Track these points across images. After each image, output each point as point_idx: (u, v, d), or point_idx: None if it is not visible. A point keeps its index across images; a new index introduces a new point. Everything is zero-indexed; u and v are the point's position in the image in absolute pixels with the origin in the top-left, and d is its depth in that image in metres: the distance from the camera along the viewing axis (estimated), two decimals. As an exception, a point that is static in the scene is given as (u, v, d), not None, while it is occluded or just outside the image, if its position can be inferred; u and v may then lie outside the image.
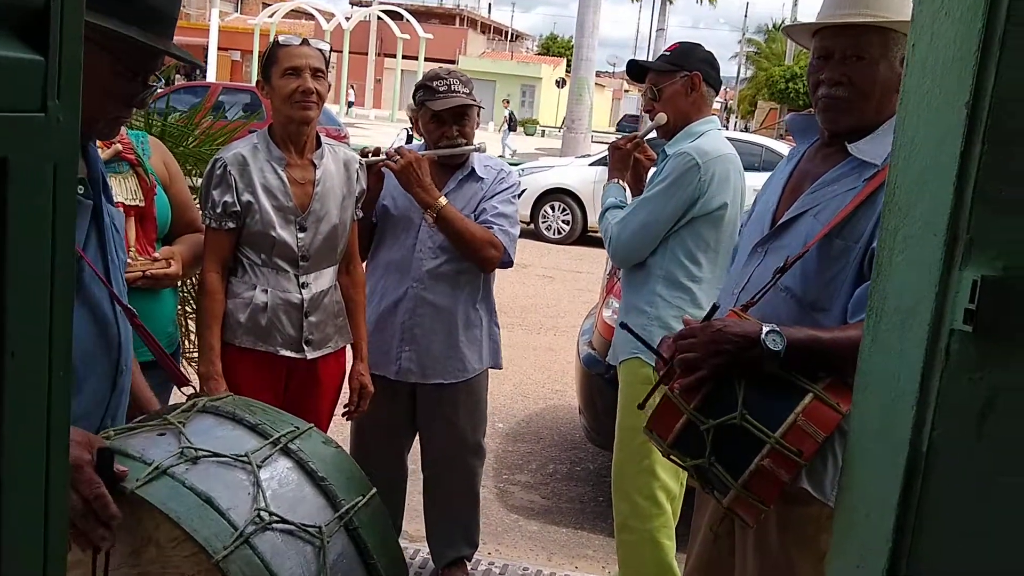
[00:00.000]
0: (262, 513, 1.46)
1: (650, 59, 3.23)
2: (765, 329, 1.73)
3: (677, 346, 1.83)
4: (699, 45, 2.95)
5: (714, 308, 1.88)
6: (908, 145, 1.33)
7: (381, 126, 34.74)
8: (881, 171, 1.87)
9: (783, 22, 54.06)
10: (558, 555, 3.88)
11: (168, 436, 1.56)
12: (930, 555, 1.25)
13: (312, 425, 1.72)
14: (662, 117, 2.88)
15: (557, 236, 12.88)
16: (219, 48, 30.40)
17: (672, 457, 1.84)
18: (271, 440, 1.61)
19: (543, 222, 12.84)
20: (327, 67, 2.62)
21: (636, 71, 3.01)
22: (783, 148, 12.98)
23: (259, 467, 1.53)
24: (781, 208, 2.06)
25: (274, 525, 1.46)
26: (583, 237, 13.02)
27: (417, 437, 3.24)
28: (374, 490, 1.67)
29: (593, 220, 12.81)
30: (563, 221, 12.98)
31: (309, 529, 1.50)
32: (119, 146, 2.40)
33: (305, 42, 2.61)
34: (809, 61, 2.02)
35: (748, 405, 1.69)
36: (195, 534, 1.38)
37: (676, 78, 2.87)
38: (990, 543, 1.19)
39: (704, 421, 1.72)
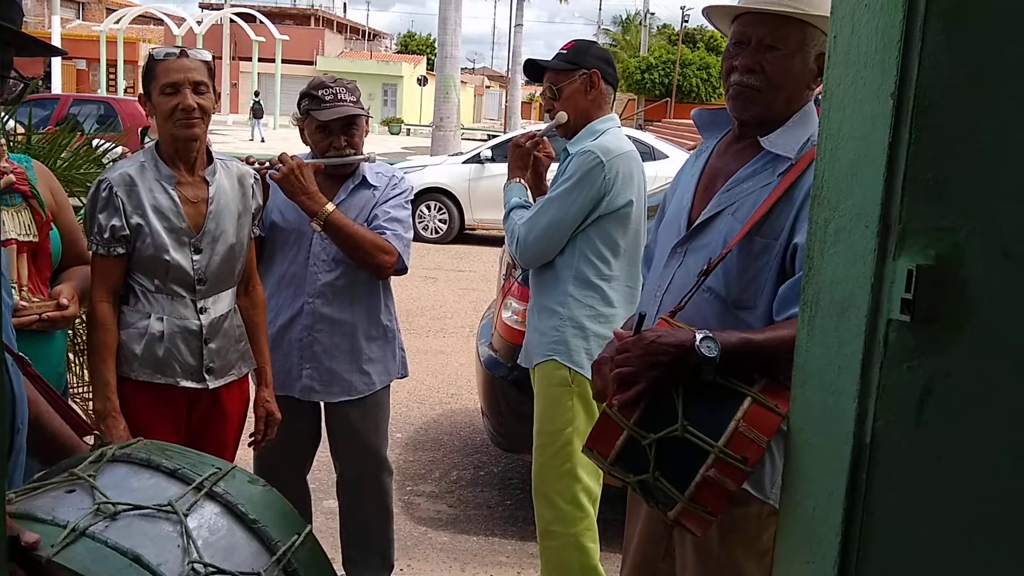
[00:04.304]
0: (196, 566, 1.34)
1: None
2: (699, 336, 1.70)
3: (613, 360, 1.79)
4: (595, 43, 2.94)
5: (641, 317, 1.84)
6: (834, 137, 1.32)
7: (239, 131, 33.73)
8: (795, 164, 1.88)
9: (636, 14, 55.36)
10: (471, 564, 3.81)
11: (78, 492, 1.42)
12: (879, 545, 1.25)
13: (235, 465, 1.61)
14: (563, 115, 2.85)
15: (435, 236, 12.80)
16: (63, 57, 28.91)
17: (614, 474, 1.80)
18: (194, 485, 1.48)
19: (420, 222, 12.71)
20: (212, 77, 2.46)
21: (533, 70, 2.98)
22: (648, 138, 13.28)
23: (185, 515, 1.41)
24: (696, 207, 2.04)
25: None
26: (461, 235, 12.99)
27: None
28: (309, 527, 1.57)
29: (470, 218, 12.80)
30: (440, 220, 12.90)
31: None
32: (12, 177, 2.20)
33: (184, 53, 2.42)
34: (726, 45, 1.99)
35: (688, 415, 1.66)
36: (125, 598, 1.26)
37: (575, 76, 2.85)
38: (936, 526, 1.20)
39: (645, 435, 1.68)
